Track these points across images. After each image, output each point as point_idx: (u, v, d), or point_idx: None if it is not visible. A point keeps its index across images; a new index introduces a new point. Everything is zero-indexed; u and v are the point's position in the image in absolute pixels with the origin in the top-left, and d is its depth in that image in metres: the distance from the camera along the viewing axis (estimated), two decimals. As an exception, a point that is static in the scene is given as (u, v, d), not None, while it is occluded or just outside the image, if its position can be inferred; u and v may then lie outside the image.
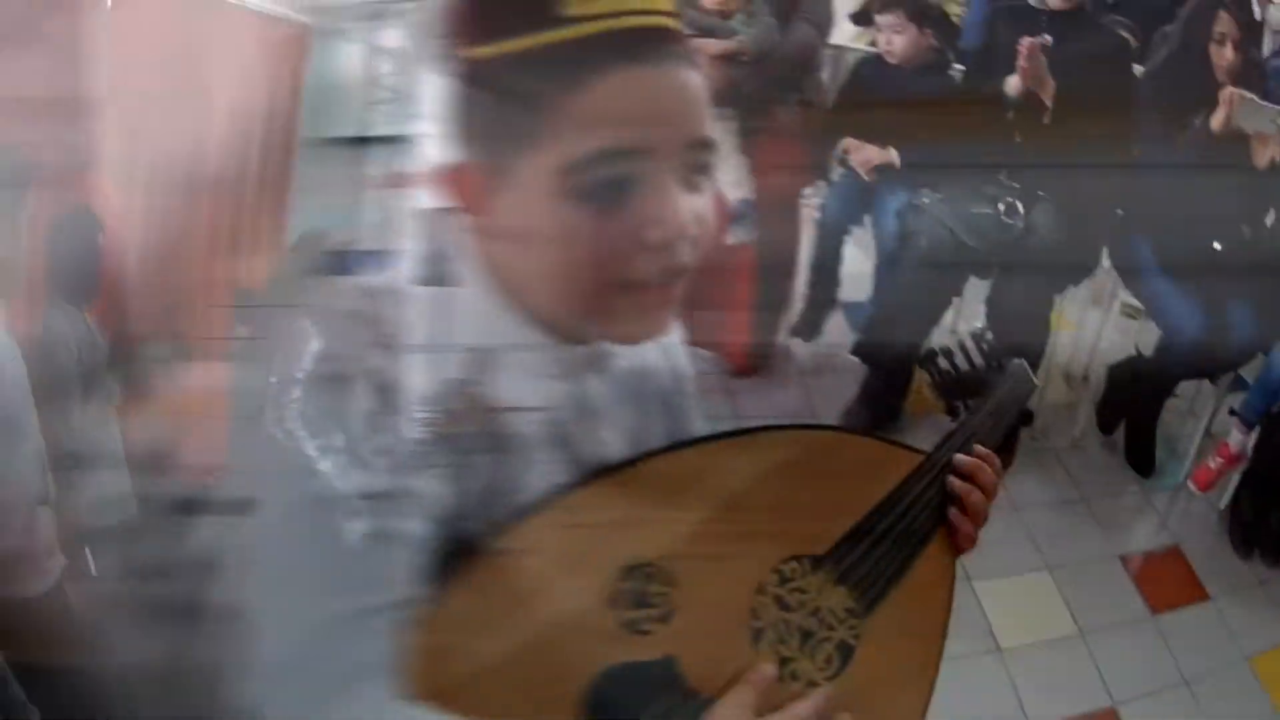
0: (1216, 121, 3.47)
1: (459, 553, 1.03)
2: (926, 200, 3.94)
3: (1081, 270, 4.07)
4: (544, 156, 0.96)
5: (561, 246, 0.99)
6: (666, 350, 1.37)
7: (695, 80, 1.00)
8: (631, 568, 1.09)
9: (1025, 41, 3.61)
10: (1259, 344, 3.66)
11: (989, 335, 1.69)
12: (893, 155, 4.18)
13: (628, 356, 1.27)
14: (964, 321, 4.47)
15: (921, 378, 4.10)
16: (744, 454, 1.21)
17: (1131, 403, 4.13)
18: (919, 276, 3.88)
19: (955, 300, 4.21)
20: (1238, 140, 3.53)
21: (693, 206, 1.01)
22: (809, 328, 4.64)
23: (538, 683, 1.02)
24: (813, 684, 1.19)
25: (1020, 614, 3.24)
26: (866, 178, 4.19)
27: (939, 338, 4.12)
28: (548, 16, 0.94)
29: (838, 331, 4.79)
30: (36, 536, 1.76)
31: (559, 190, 0.96)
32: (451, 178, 1.05)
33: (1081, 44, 3.76)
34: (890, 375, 4.08)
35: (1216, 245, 3.71)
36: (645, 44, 0.96)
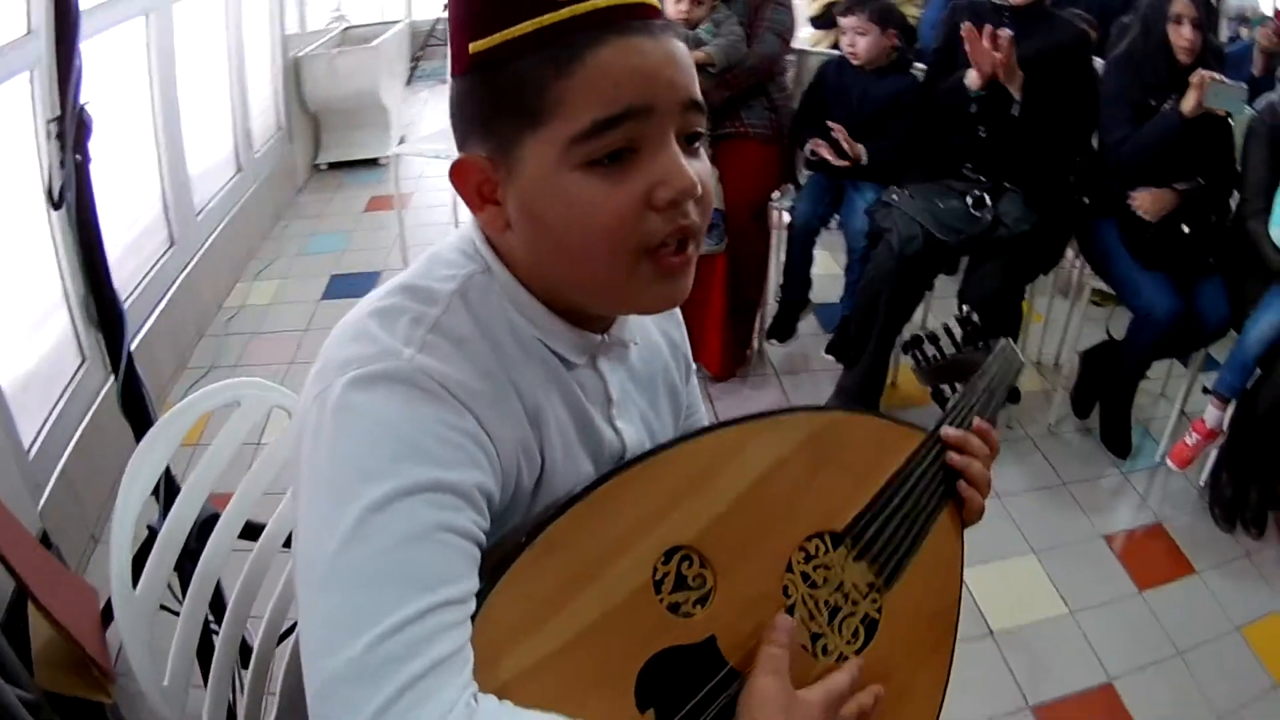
0: (1188, 104, 3.53)
1: (507, 548, 1.05)
2: (895, 197, 3.97)
3: (1050, 259, 4.12)
4: (550, 134, 1.01)
5: (578, 219, 1.04)
6: (661, 322, 1.43)
7: (683, 48, 1.06)
8: (670, 552, 1.12)
9: (989, 30, 3.66)
10: (1229, 322, 3.71)
11: (974, 317, 1.74)
12: (860, 153, 4.22)
13: (638, 340, 1.33)
14: (934, 317, 4.52)
15: (896, 373, 4.15)
16: (761, 437, 1.25)
17: (1105, 387, 4.19)
18: (890, 273, 3.91)
19: (926, 295, 4.26)
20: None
21: (694, 167, 1.06)
22: (783, 330, 4.71)
23: (594, 672, 1.04)
24: (843, 658, 1.23)
25: (1009, 597, 3.28)
26: (836, 163, 4.24)
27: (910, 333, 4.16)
28: (541, 1, 0.99)
29: (811, 332, 4.84)
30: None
31: (569, 164, 1.02)
32: (462, 172, 1.09)
33: (1042, 37, 3.81)
34: (864, 373, 4.12)
35: (1185, 228, 3.77)
36: (633, 17, 1.02)
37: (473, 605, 0.98)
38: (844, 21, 4.26)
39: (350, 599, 0.93)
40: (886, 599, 1.30)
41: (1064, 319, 4.58)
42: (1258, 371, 3.62)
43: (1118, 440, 4.13)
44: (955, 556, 1.42)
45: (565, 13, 0.99)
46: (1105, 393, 4.20)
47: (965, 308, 1.80)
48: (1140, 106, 3.76)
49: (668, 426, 1.43)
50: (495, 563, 1.02)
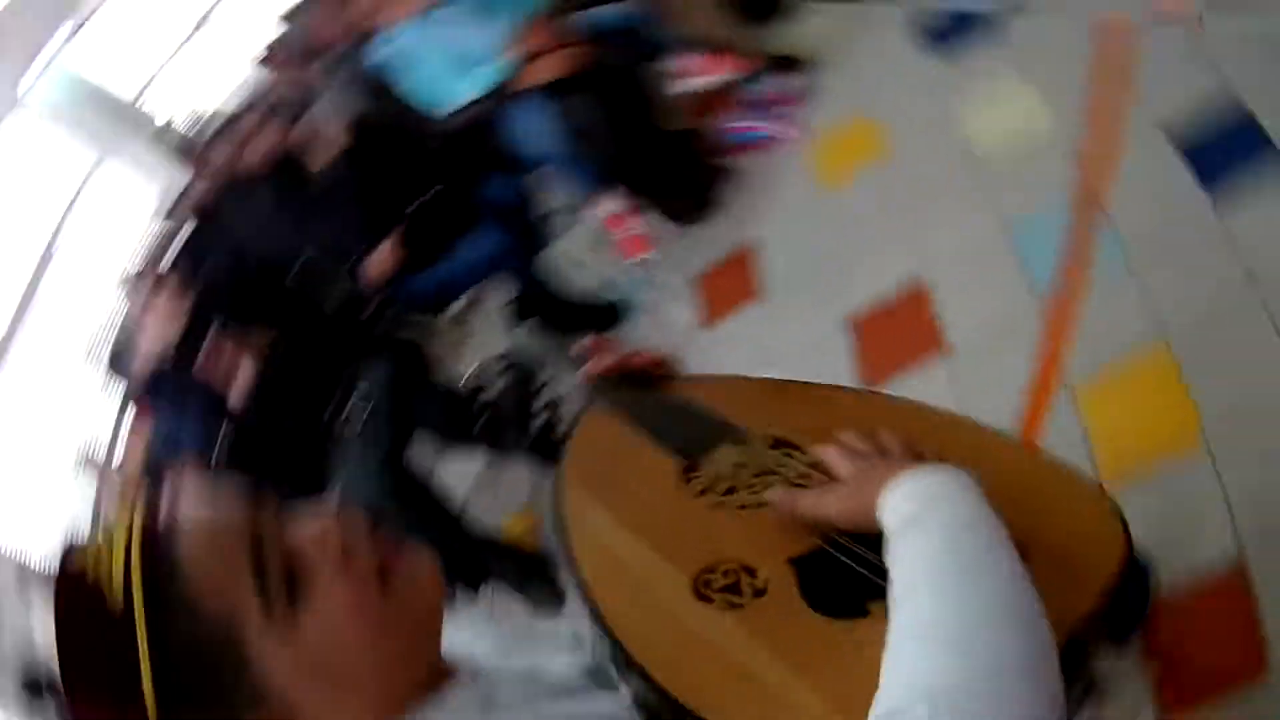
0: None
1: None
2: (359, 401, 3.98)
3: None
4: (258, 654, 0.98)
5: (342, 639, 1.01)
6: None
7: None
8: (694, 591, 1.20)
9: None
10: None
11: (505, 363, 1.90)
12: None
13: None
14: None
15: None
16: (584, 529, 1.39)
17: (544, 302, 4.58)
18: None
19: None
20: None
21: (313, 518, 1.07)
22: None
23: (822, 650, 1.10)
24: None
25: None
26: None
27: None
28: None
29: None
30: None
31: (282, 637, 0.99)
32: None
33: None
34: (466, 544, 3.92)
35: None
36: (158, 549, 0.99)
37: None
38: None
39: None
40: (756, 438, 1.45)
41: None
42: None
43: (598, 318, 4.51)
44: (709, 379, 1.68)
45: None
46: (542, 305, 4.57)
47: (499, 356, 1.96)
48: None
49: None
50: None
